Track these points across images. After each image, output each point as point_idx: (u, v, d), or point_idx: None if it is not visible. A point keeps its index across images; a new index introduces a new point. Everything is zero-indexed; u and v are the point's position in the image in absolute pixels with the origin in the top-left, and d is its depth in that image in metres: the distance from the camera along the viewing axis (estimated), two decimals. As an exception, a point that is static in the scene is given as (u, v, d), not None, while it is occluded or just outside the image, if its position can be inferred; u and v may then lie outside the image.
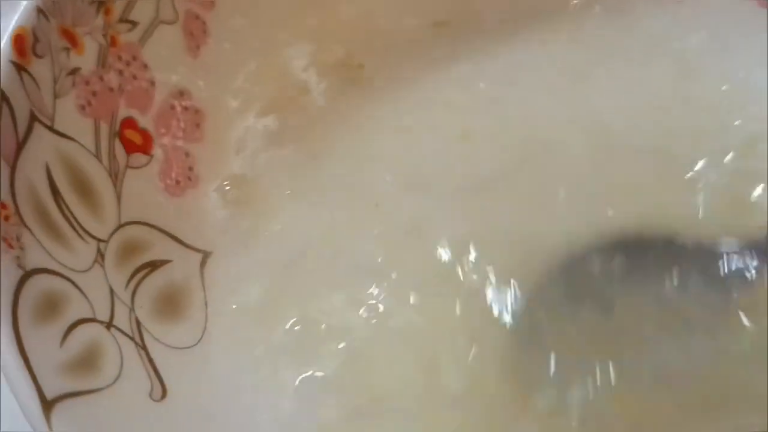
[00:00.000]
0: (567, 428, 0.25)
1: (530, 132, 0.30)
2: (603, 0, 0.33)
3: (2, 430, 0.31)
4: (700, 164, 0.28)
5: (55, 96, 0.29)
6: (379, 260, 0.29)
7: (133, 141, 0.31)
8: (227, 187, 0.32)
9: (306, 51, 0.34)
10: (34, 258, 0.25)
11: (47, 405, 0.22)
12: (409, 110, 0.32)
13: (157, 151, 0.32)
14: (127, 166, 0.31)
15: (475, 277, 0.27)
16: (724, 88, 0.30)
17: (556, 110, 0.30)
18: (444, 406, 0.25)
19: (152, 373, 0.26)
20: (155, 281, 0.29)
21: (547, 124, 0.30)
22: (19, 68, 0.28)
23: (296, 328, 0.29)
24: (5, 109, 0.27)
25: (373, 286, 0.28)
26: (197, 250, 0.31)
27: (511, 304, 0.26)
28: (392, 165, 0.31)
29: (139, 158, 0.31)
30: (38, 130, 0.28)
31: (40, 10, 0.29)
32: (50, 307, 0.25)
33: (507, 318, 0.26)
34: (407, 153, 0.31)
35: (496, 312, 0.26)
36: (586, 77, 0.31)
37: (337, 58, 0.33)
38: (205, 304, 0.30)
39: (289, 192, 0.32)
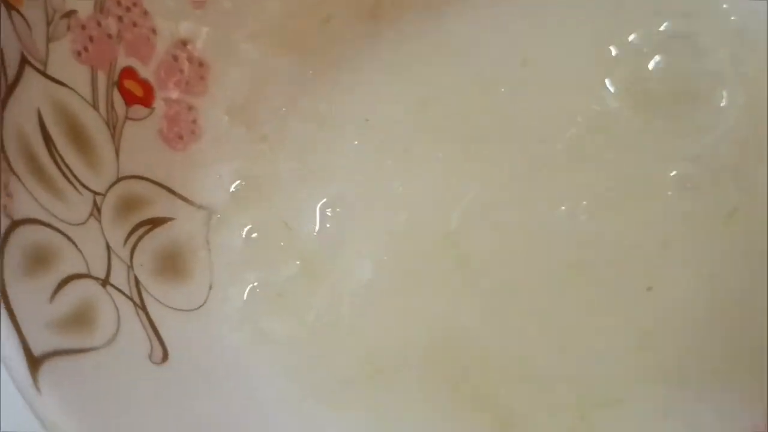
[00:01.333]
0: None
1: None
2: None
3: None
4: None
5: (48, 39, 0.27)
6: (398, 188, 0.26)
7: (133, 92, 0.29)
8: (233, 142, 0.30)
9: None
10: (23, 207, 0.23)
11: (34, 361, 0.20)
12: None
13: (158, 104, 0.30)
14: (127, 118, 0.28)
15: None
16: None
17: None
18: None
19: (152, 334, 0.24)
20: (156, 239, 0.27)
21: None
22: (9, 7, 0.25)
23: (300, 280, 0.26)
24: (-7, 50, 0.24)
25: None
26: (202, 208, 0.29)
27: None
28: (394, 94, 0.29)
29: (139, 110, 0.29)
30: (29, 73, 0.26)
31: (31, -53, 0.26)
32: (39, 259, 0.23)
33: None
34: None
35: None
36: None
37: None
38: (210, 264, 0.28)
39: (297, 140, 0.29)
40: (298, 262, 0.27)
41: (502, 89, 0.28)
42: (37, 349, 0.20)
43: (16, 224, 0.23)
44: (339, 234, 0.27)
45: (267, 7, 0.32)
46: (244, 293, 0.27)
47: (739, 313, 0.25)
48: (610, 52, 0.28)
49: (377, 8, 0.32)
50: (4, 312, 0.20)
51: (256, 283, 0.27)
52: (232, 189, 0.29)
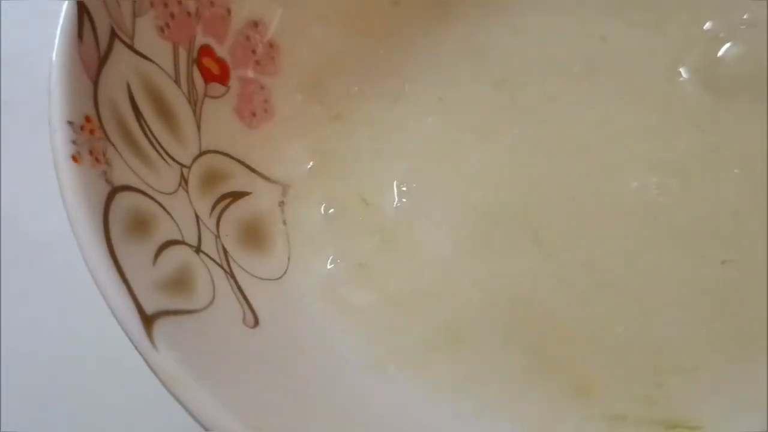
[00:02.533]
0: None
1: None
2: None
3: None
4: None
5: (135, 14, 0.27)
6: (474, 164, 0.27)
7: (211, 70, 0.30)
8: (305, 120, 0.30)
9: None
10: (121, 175, 0.24)
11: (147, 320, 0.20)
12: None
13: (233, 83, 0.30)
14: (206, 95, 0.29)
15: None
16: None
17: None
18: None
19: (243, 301, 0.25)
20: (238, 211, 0.28)
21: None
22: (100, -17, 0.26)
23: (380, 252, 0.27)
24: (87, 23, 0.25)
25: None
26: (276, 183, 0.29)
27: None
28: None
29: (216, 88, 0.30)
30: (119, 47, 0.26)
31: (117, -76, 0.27)
32: (140, 224, 0.23)
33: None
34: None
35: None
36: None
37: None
38: (287, 236, 0.28)
39: (371, 118, 0.30)
40: (376, 236, 0.27)
41: (576, 67, 0.29)
42: (148, 309, 0.21)
43: (116, 190, 0.23)
44: (415, 208, 0.28)
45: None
46: (324, 265, 0.27)
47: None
48: (685, 35, 0.29)
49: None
50: (116, 273, 0.21)
51: (335, 256, 0.27)
52: (308, 166, 0.29)
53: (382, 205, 0.28)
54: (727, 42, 0.29)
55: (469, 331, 0.26)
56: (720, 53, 0.29)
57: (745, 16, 0.30)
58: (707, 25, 0.30)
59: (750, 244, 0.26)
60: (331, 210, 0.28)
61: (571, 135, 0.28)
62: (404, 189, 0.28)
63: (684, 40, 0.30)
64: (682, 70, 0.29)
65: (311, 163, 0.30)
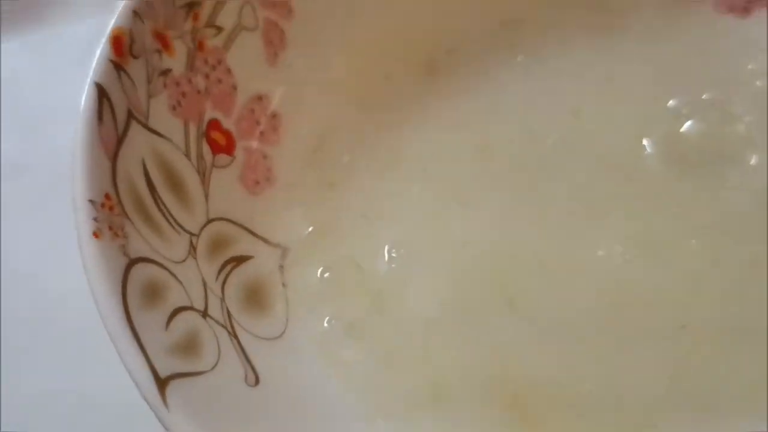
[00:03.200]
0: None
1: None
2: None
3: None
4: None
5: (149, 95, 0.30)
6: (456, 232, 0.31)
7: (218, 142, 0.33)
8: (304, 187, 0.33)
9: (385, 53, 0.35)
10: (137, 247, 0.26)
11: (161, 383, 0.23)
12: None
13: (239, 153, 0.33)
14: (213, 166, 0.32)
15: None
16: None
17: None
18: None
19: (245, 360, 0.27)
20: (241, 275, 0.30)
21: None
22: (118, 67, 0.29)
23: (371, 313, 0.30)
24: (106, 106, 0.28)
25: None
26: (277, 246, 0.32)
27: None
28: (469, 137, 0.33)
29: (223, 158, 0.33)
30: (135, 126, 0.29)
31: (135, 13, 0.30)
32: (154, 293, 0.26)
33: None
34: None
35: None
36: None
37: (420, 54, 0.35)
38: (286, 297, 0.31)
39: (362, 187, 0.33)
40: (368, 298, 0.30)
41: (551, 140, 0.32)
42: (162, 372, 0.23)
43: (133, 262, 0.26)
44: (404, 273, 0.31)
45: (334, 64, 0.35)
46: (320, 324, 0.30)
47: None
48: (651, 112, 0.31)
49: (432, 66, 0.35)
50: (133, 340, 0.24)
51: (330, 316, 0.30)
52: (306, 231, 0.32)
53: (374, 269, 0.31)
54: (689, 119, 0.32)
55: (451, 389, 0.28)
56: (682, 129, 0.32)
57: (704, 96, 0.32)
58: (671, 103, 0.32)
59: (707, 311, 0.28)
60: (327, 274, 0.31)
61: (544, 204, 0.31)
62: (394, 255, 0.31)
63: (650, 116, 0.32)
64: (647, 144, 0.32)
65: (310, 229, 0.32)
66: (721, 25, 0.35)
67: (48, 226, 0.35)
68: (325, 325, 0.30)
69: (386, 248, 0.31)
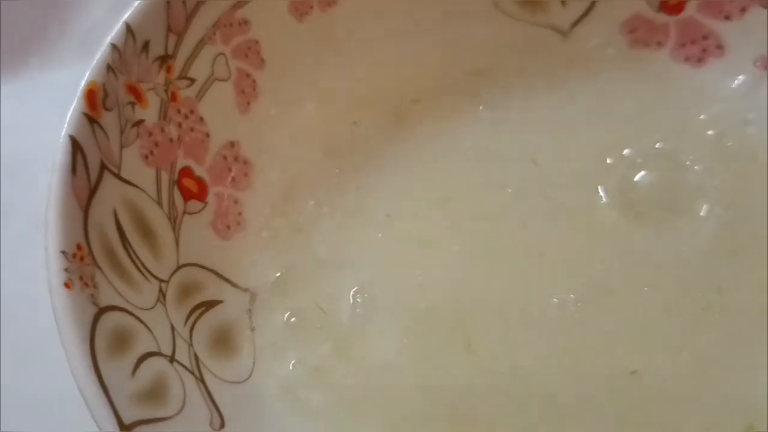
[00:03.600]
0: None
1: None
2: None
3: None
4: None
5: (122, 146, 0.31)
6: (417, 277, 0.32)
7: (190, 189, 0.34)
8: (272, 232, 0.35)
9: (354, 101, 0.36)
10: (106, 296, 0.28)
11: (125, 428, 0.24)
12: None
13: (210, 199, 0.34)
14: (185, 212, 0.33)
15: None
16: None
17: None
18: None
19: (210, 404, 0.28)
20: (210, 319, 0.32)
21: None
22: (91, 120, 0.30)
23: (334, 356, 0.31)
24: (79, 158, 0.29)
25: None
26: (245, 291, 0.33)
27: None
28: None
29: (195, 205, 0.34)
30: (107, 177, 0.30)
31: (109, 67, 0.31)
32: (121, 341, 0.27)
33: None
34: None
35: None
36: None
37: (387, 103, 0.36)
38: (254, 341, 0.32)
39: (328, 232, 0.34)
40: (331, 342, 0.31)
41: (510, 188, 0.33)
42: (126, 419, 0.24)
43: (102, 311, 0.27)
44: (367, 318, 0.32)
45: (303, 112, 0.37)
46: (285, 368, 0.31)
47: (717, 392, 0.29)
48: (607, 161, 0.33)
49: (398, 115, 0.37)
50: (99, 387, 0.25)
51: (294, 360, 0.31)
52: (274, 276, 0.33)
53: (338, 314, 0.32)
54: (643, 168, 0.33)
55: (411, 430, 0.29)
56: (636, 178, 0.33)
57: (657, 145, 0.34)
58: (626, 152, 0.34)
59: (658, 357, 0.30)
60: (293, 319, 0.32)
61: (502, 252, 0.32)
62: (358, 300, 0.32)
63: (605, 165, 0.34)
64: (602, 193, 0.33)
65: (277, 274, 0.34)
66: (677, 73, 0.37)
67: (27, 267, 0.36)
68: (290, 368, 0.31)
69: (351, 293, 0.32)
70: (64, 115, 0.30)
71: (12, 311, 0.38)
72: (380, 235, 0.34)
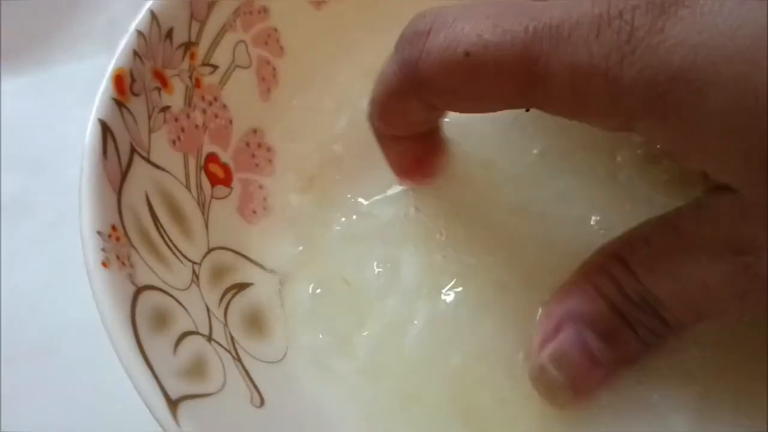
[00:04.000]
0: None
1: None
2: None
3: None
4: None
5: (150, 131, 0.31)
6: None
7: (216, 174, 0.34)
8: (298, 214, 0.35)
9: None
10: (143, 276, 0.28)
11: (173, 404, 0.24)
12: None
13: (236, 184, 0.35)
14: (212, 197, 0.33)
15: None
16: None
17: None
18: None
19: (249, 383, 0.28)
20: (242, 301, 0.32)
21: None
22: (120, 105, 0.30)
23: (369, 342, 0.31)
24: (110, 141, 0.29)
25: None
26: (274, 273, 0.33)
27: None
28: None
29: (221, 190, 0.34)
30: (137, 161, 0.30)
31: (135, 53, 0.31)
32: (161, 319, 0.27)
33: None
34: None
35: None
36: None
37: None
38: (285, 322, 0.32)
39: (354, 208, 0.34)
40: (354, 316, 0.32)
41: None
42: (173, 394, 0.24)
43: (140, 290, 0.27)
44: (388, 288, 0.32)
45: (323, 99, 0.37)
46: (315, 343, 0.31)
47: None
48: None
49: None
50: (144, 365, 0.25)
51: (322, 335, 0.31)
52: (299, 257, 0.34)
53: (362, 285, 0.32)
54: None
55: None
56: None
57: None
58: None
59: None
60: (318, 291, 0.32)
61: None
62: (380, 270, 0.33)
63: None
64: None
65: (301, 251, 0.34)
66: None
67: (54, 260, 0.36)
68: (319, 342, 0.31)
69: (374, 264, 0.33)
70: (84, 107, 0.30)
71: (34, 305, 0.38)
72: (403, 214, 0.34)
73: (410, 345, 0.31)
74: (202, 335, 0.28)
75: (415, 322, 0.31)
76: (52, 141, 0.40)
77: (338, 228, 0.35)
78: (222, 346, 0.29)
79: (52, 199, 0.37)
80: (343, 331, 0.32)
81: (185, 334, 0.28)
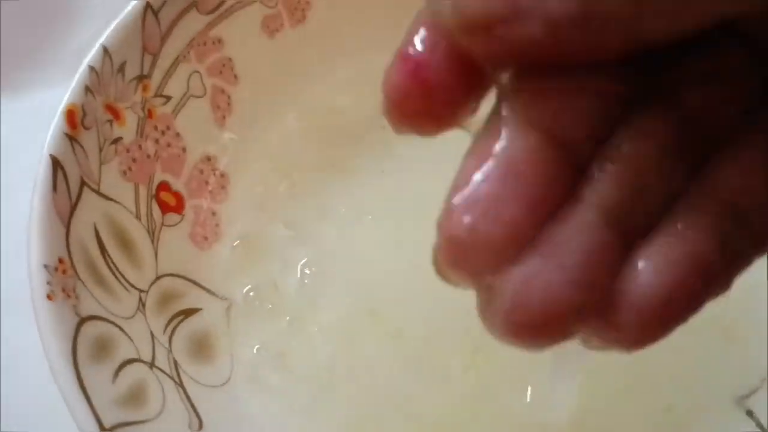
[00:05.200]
0: None
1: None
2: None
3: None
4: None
5: (101, 163, 0.33)
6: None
7: (168, 202, 0.35)
8: (248, 242, 0.36)
9: (325, 114, 0.38)
10: (88, 306, 0.29)
11: (105, 431, 0.26)
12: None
13: (188, 211, 0.36)
14: (163, 225, 0.35)
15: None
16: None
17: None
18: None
19: (189, 407, 0.30)
20: (188, 326, 0.33)
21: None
22: (71, 139, 0.31)
23: (309, 369, 0.33)
24: (60, 176, 0.31)
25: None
26: (223, 299, 0.35)
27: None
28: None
29: (172, 217, 0.35)
30: (87, 193, 0.32)
31: (87, 88, 0.33)
32: (103, 348, 0.28)
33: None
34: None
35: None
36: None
37: (356, 117, 0.38)
38: (231, 347, 0.34)
39: (302, 240, 0.36)
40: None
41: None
42: (107, 422, 0.26)
43: (83, 320, 0.28)
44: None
45: (278, 125, 0.38)
46: (258, 370, 0.33)
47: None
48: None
49: (360, 135, 0.38)
50: (80, 392, 0.26)
51: (258, 347, 0.33)
52: (249, 284, 0.35)
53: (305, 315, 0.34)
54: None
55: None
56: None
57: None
58: None
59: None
60: (261, 322, 0.34)
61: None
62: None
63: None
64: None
65: (252, 282, 0.35)
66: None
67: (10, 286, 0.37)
68: (258, 362, 0.33)
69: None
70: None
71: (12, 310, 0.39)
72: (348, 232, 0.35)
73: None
74: (144, 362, 0.30)
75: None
76: (15, 171, 0.41)
77: (289, 259, 0.36)
78: (164, 372, 0.30)
79: (5, 230, 0.39)
80: (283, 352, 0.33)
81: (126, 362, 0.29)
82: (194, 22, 0.36)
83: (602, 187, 0.18)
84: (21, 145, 0.42)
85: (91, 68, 0.33)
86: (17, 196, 0.40)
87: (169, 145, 0.36)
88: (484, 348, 0.31)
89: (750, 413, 0.31)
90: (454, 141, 0.36)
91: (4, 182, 0.42)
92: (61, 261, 0.29)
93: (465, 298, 0.18)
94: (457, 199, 0.17)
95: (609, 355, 0.18)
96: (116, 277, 0.31)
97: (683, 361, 0.31)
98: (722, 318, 0.32)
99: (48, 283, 0.28)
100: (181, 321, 0.33)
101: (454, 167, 0.34)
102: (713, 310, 0.18)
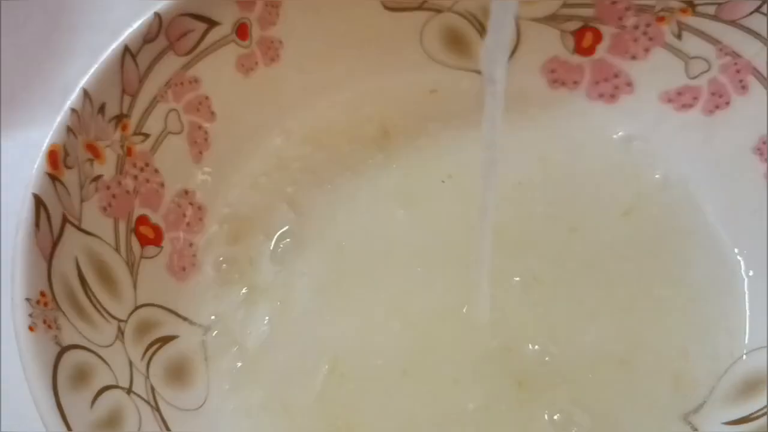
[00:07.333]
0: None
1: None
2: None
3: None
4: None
5: (82, 200, 0.35)
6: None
7: (146, 235, 0.37)
8: (224, 270, 0.38)
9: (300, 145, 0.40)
10: (68, 336, 0.31)
11: (82, 457, 0.27)
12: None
13: (166, 243, 0.38)
14: (142, 257, 0.37)
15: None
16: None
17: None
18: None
19: (164, 430, 0.32)
20: (166, 353, 0.35)
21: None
22: (53, 178, 0.33)
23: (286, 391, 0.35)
24: (43, 214, 0.32)
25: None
26: (199, 326, 0.37)
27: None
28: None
29: (151, 249, 0.37)
30: (69, 229, 0.34)
31: (69, 129, 0.34)
32: (82, 376, 0.30)
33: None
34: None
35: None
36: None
37: (330, 147, 0.40)
38: (207, 372, 0.36)
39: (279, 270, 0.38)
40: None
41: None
42: (84, 447, 0.28)
43: (64, 350, 0.30)
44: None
45: (253, 158, 0.40)
46: (237, 396, 0.35)
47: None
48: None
49: (341, 158, 0.40)
50: (59, 418, 0.28)
51: (233, 371, 0.35)
52: (226, 313, 0.37)
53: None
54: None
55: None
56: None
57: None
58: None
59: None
60: (236, 348, 0.36)
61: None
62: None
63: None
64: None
65: (229, 311, 0.37)
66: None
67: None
68: (237, 389, 0.35)
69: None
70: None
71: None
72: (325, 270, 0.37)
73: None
74: (122, 388, 0.32)
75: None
76: (8, 202, 0.43)
77: (264, 289, 0.38)
78: (141, 398, 0.32)
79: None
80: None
81: (104, 389, 0.31)
82: (171, 63, 0.38)
83: None
84: (9, 183, 0.45)
85: (73, 110, 0.35)
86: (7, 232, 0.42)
87: (147, 181, 0.38)
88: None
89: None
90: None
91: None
92: (42, 294, 0.31)
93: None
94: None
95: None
96: (96, 308, 0.33)
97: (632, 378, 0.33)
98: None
99: (30, 315, 0.30)
100: (159, 348, 0.35)
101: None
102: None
